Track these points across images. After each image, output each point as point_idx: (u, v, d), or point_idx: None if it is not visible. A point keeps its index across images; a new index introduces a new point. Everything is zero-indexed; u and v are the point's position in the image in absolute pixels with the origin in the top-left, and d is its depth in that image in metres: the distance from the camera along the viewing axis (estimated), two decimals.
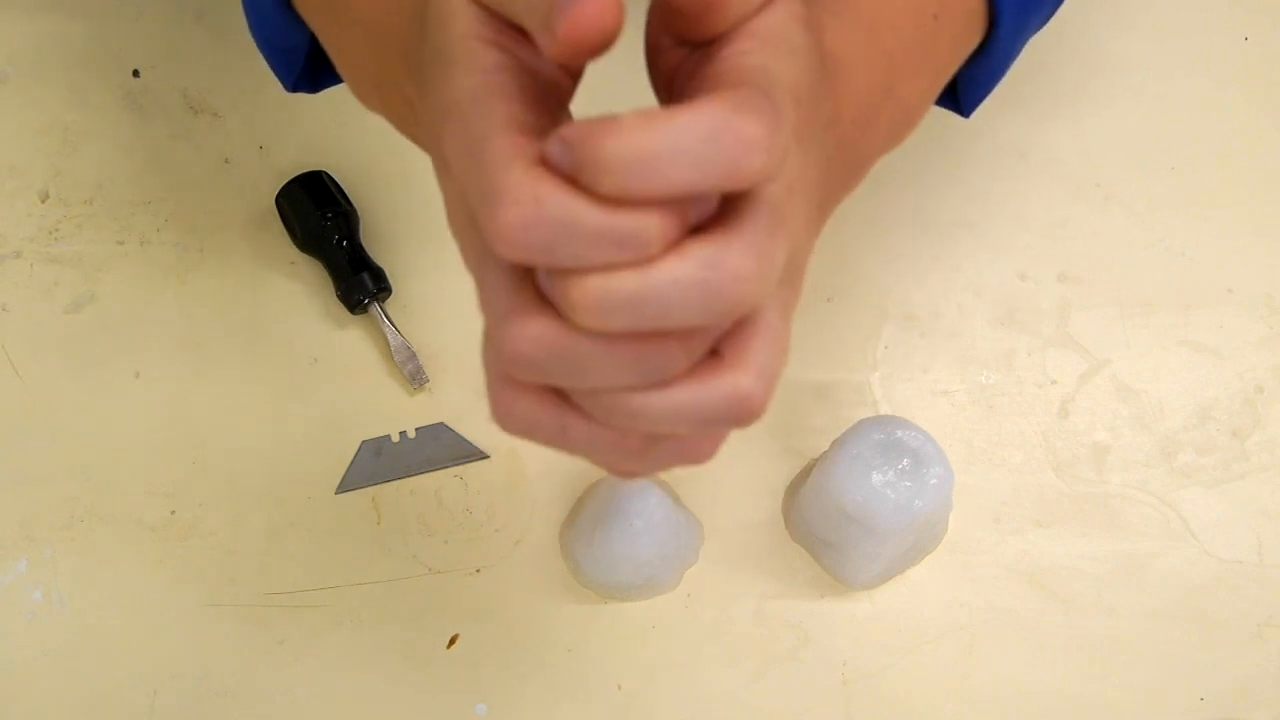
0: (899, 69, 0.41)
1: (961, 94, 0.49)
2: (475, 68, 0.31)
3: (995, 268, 0.63)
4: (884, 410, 0.60)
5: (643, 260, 0.27)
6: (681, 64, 0.33)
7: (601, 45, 0.28)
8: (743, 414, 0.30)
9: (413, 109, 0.38)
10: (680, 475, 0.58)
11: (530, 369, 0.29)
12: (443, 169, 0.33)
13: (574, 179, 0.27)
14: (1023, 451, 0.59)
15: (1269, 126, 0.66)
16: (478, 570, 0.57)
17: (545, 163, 0.27)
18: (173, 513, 0.58)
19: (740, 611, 0.56)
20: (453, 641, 0.56)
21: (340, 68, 0.44)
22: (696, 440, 0.34)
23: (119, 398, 0.60)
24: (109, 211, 0.65)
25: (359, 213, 0.63)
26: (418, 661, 0.55)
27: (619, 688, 0.55)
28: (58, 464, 0.59)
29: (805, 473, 0.58)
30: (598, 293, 0.27)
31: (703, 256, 0.27)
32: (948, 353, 0.61)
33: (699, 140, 0.26)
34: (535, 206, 0.27)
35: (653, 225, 0.27)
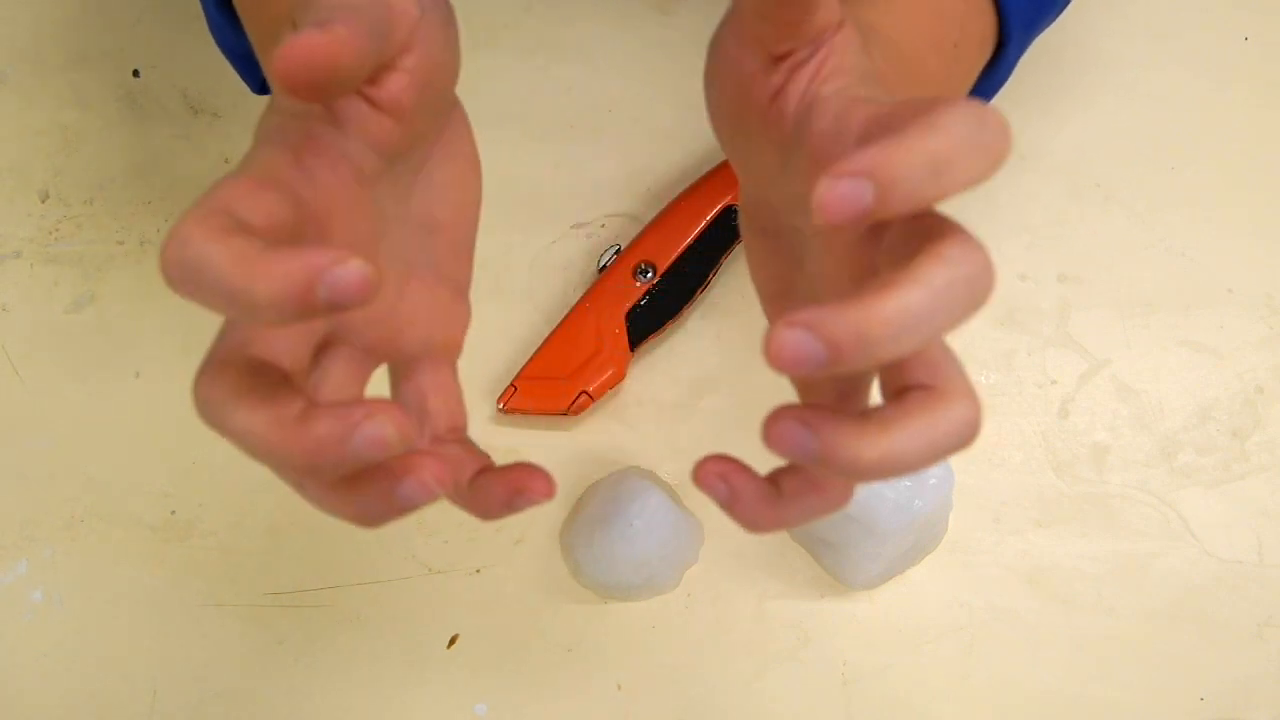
0: (928, 91, 0.42)
1: None
2: (274, 140, 0.32)
3: (995, 268, 0.63)
4: None
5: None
6: (781, 91, 0.33)
7: (314, 82, 0.28)
8: (974, 436, 0.30)
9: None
10: (680, 475, 0.58)
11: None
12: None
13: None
14: (1023, 451, 0.59)
15: (1269, 126, 0.66)
16: (478, 570, 0.57)
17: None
18: (173, 513, 0.58)
19: (740, 611, 0.56)
20: (453, 641, 0.56)
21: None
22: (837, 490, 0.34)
23: (119, 398, 0.60)
24: (109, 211, 0.65)
25: None
26: (418, 661, 0.55)
27: (619, 688, 0.55)
28: (58, 464, 0.59)
29: None
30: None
31: (948, 254, 0.28)
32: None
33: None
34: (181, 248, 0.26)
35: (274, 291, 0.25)
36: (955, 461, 0.54)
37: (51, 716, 0.55)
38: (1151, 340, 0.61)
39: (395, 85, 0.33)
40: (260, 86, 0.53)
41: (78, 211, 0.65)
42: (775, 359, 0.25)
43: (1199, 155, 0.65)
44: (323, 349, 0.35)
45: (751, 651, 0.55)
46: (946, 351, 0.30)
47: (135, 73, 0.68)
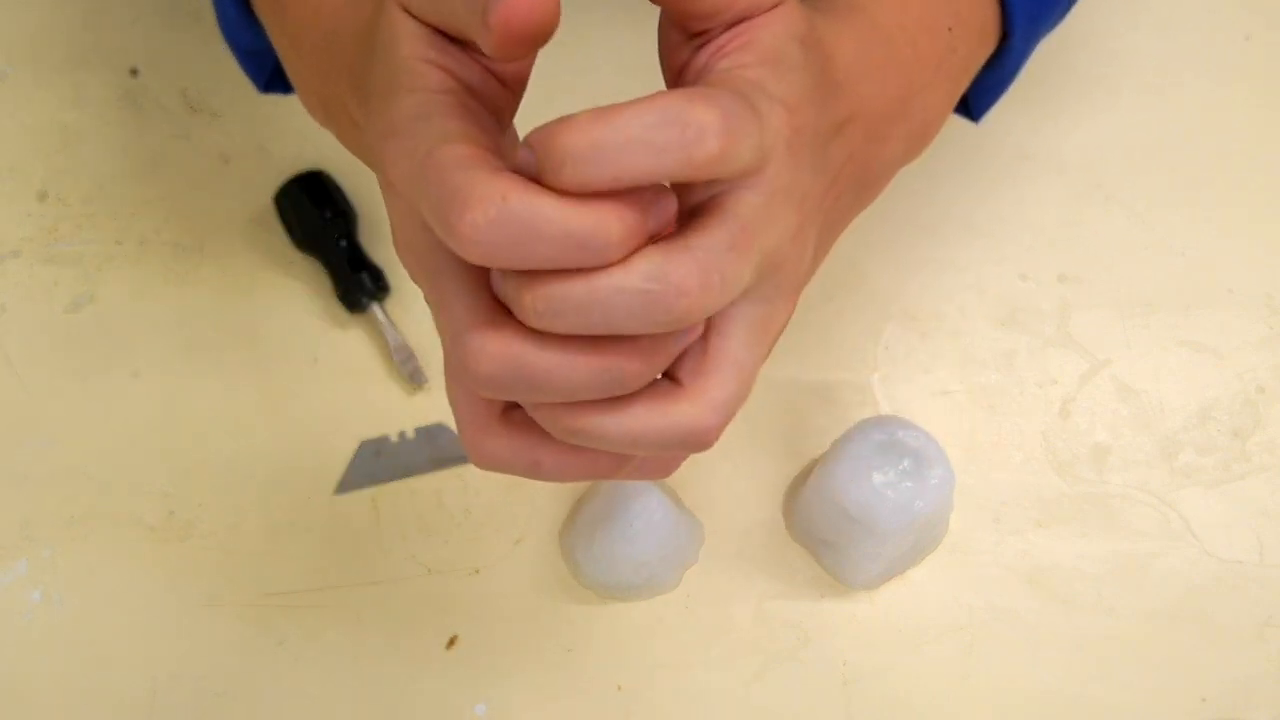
0: (915, 81, 0.42)
1: (972, 100, 0.50)
2: (420, 87, 0.32)
3: (996, 268, 0.63)
4: (885, 410, 0.60)
5: (600, 266, 0.27)
6: (686, 65, 0.34)
7: (535, 35, 0.28)
8: (694, 444, 0.31)
9: (358, 129, 0.38)
10: (680, 475, 0.58)
11: (493, 383, 0.30)
12: (388, 189, 0.34)
13: (539, 181, 0.27)
14: (1023, 451, 0.59)
15: (1270, 126, 0.66)
16: (477, 570, 0.57)
17: (513, 169, 0.28)
18: (172, 513, 0.58)
19: (740, 611, 0.56)
20: (452, 642, 0.56)
21: (292, 81, 0.45)
22: (659, 461, 0.35)
23: (118, 398, 0.60)
24: (108, 211, 0.65)
25: (358, 212, 0.63)
26: (417, 661, 0.55)
27: (619, 688, 0.55)
28: (56, 464, 0.59)
29: (806, 473, 0.58)
30: (547, 294, 0.28)
31: (647, 268, 0.28)
32: (948, 353, 0.61)
33: (649, 126, 0.27)
34: (502, 205, 0.27)
35: (613, 227, 0.27)
36: (955, 462, 0.54)
37: (50, 717, 0.55)
38: (1152, 340, 0.61)
39: (522, 64, 0.34)
40: (266, 85, 0.53)
41: (76, 211, 0.65)
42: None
43: (1199, 155, 0.65)
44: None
45: (751, 651, 0.55)
46: (726, 361, 0.31)
47: (134, 72, 0.68)
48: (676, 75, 0.34)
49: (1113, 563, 0.57)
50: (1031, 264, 0.62)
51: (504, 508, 0.58)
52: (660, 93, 0.27)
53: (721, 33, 0.33)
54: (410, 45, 0.32)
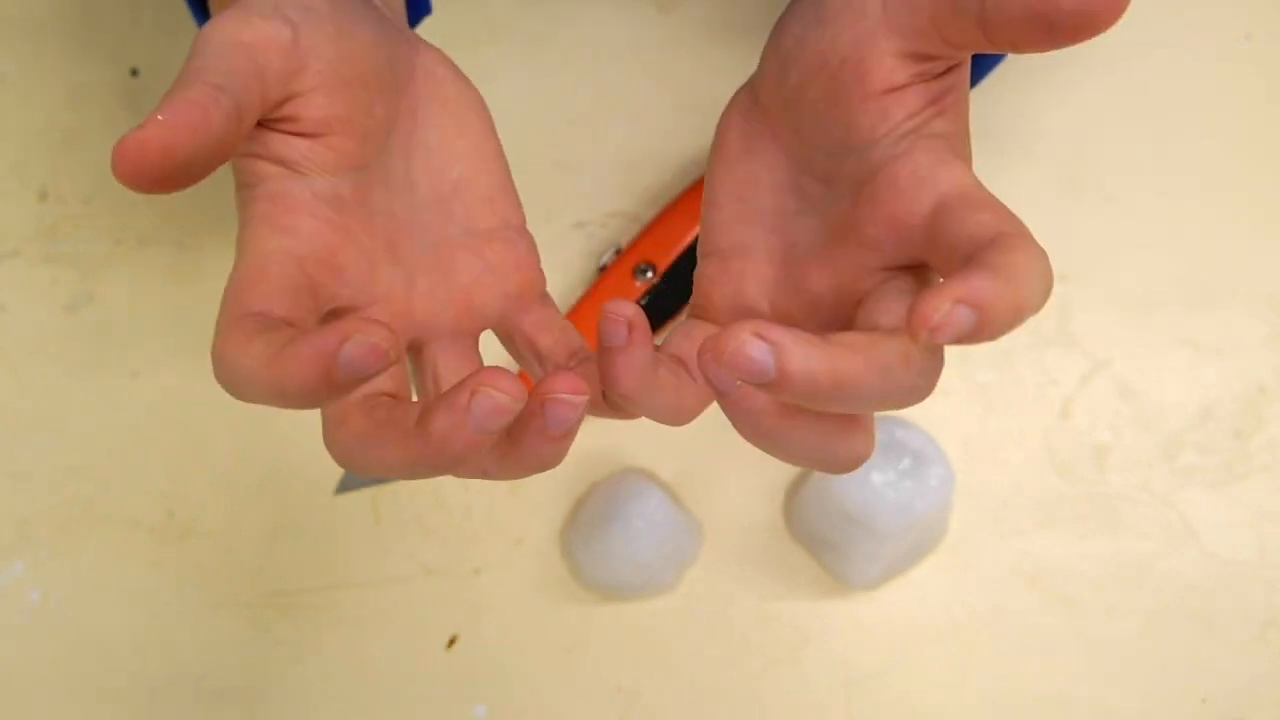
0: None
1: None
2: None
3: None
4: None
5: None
6: (896, 90, 0.32)
7: (157, 180, 0.28)
8: (854, 469, 0.32)
9: None
10: (680, 475, 0.58)
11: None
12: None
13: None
14: (1023, 452, 0.59)
15: (1270, 126, 0.66)
16: (477, 570, 0.57)
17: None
18: (171, 513, 0.58)
19: (740, 611, 0.56)
20: (452, 642, 0.56)
21: None
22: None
23: (117, 398, 0.60)
24: (107, 211, 0.65)
25: None
26: (417, 662, 0.55)
27: (619, 688, 0.55)
28: (55, 464, 0.59)
29: (805, 473, 0.58)
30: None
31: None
32: (948, 353, 0.61)
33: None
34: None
35: (305, 383, 0.26)
36: (956, 462, 0.54)
37: (49, 717, 0.55)
38: (1153, 340, 0.61)
39: (315, 106, 0.32)
40: None
41: (76, 211, 0.65)
42: (715, 354, 0.26)
43: (1199, 155, 0.65)
44: (416, 350, 0.35)
45: (751, 651, 0.55)
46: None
47: (134, 72, 0.68)
48: (873, 92, 0.32)
49: (1113, 563, 0.57)
50: None
51: (504, 508, 0.58)
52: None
53: (941, 69, 0.32)
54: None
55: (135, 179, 0.28)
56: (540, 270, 0.38)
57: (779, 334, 0.26)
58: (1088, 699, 0.55)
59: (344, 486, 0.58)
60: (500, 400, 0.27)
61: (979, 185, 0.31)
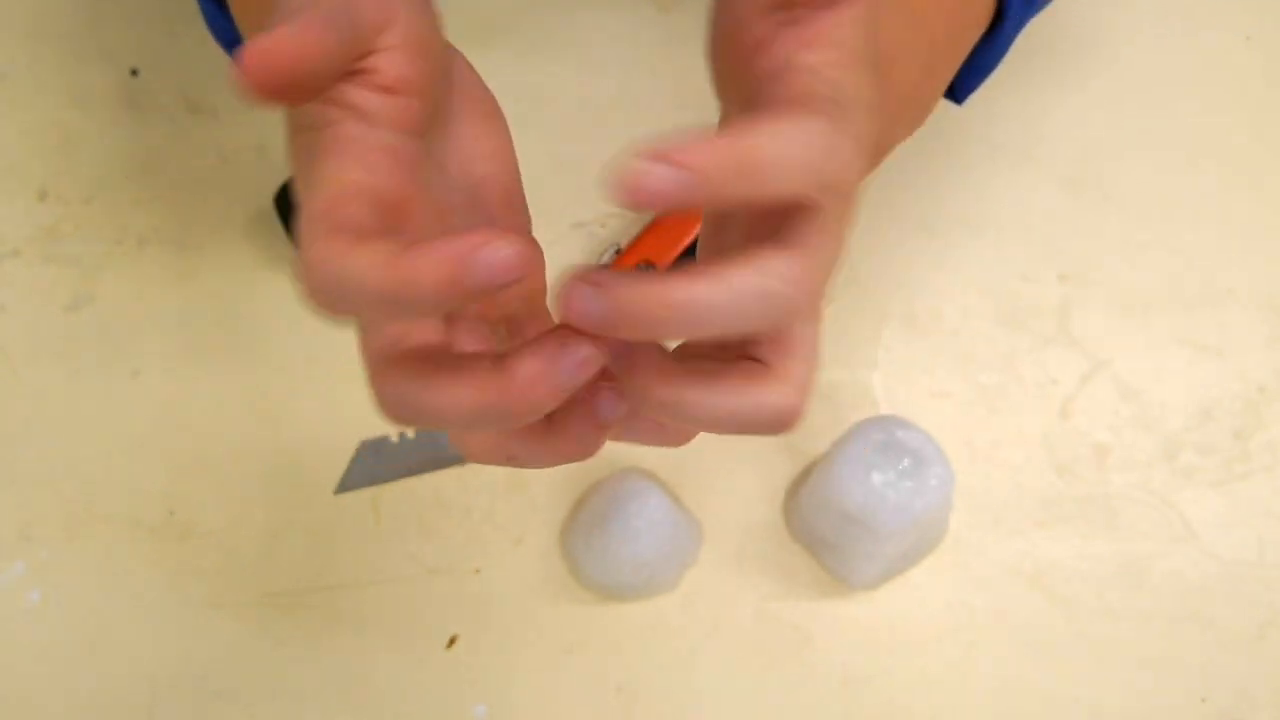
0: (935, 60, 0.41)
1: (959, 81, 0.49)
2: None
3: (996, 268, 0.63)
4: (884, 410, 0.60)
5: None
6: (762, 46, 0.32)
7: (279, 85, 0.28)
8: (782, 426, 0.31)
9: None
10: (680, 475, 0.58)
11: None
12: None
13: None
14: (1023, 452, 0.59)
15: (1270, 127, 0.66)
16: (477, 570, 0.57)
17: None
18: (171, 513, 0.58)
19: (740, 611, 0.56)
20: (452, 642, 0.56)
21: None
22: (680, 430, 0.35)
23: (117, 397, 0.60)
24: (107, 211, 0.64)
25: None
26: (417, 661, 0.55)
27: (619, 688, 0.55)
28: (55, 464, 0.59)
29: (805, 473, 0.58)
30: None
31: (769, 266, 0.27)
32: (948, 353, 0.61)
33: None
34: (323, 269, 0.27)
35: (427, 286, 0.26)
36: (956, 462, 0.54)
37: (50, 717, 0.55)
38: (1152, 340, 0.61)
39: (394, 64, 0.32)
40: None
41: (76, 211, 0.65)
42: (560, 304, 0.26)
43: (1199, 155, 0.65)
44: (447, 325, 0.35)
45: (751, 651, 0.55)
46: (802, 337, 0.31)
47: (134, 72, 0.68)
48: (747, 53, 0.32)
49: (1113, 563, 0.57)
50: (1031, 264, 0.62)
51: (504, 508, 0.58)
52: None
53: (806, 12, 0.31)
54: None
55: (262, 83, 0.28)
56: (544, 280, 0.39)
57: (600, 274, 0.26)
58: (1087, 698, 0.55)
59: (344, 486, 0.58)
60: (588, 354, 0.27)
61: (834, 102, 0.30)
